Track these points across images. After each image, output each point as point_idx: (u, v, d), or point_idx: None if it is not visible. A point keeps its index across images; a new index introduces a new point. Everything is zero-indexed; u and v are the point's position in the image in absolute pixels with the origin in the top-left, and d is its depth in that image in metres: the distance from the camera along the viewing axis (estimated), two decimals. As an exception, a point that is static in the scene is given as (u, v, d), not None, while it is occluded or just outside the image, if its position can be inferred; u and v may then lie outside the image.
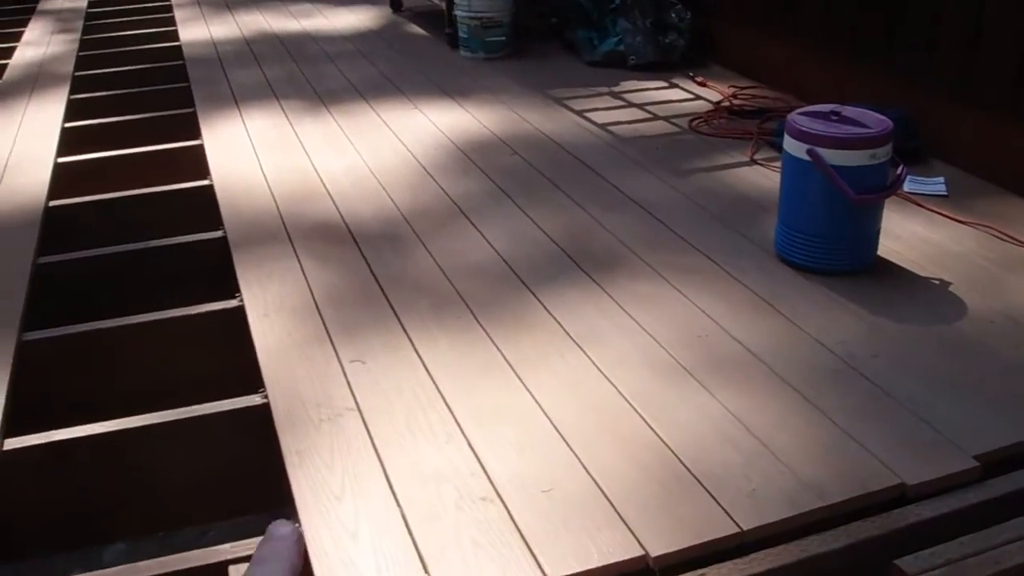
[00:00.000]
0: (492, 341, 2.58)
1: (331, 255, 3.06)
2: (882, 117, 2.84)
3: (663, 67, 4.97)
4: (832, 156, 2.74)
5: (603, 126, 4.16)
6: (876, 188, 2.79)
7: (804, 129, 2.78)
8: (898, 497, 2.05)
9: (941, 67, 3.78)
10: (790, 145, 2.83)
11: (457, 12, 5.27)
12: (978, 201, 3.44)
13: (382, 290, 2.84)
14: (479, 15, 5.18)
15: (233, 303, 2.83)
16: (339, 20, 6.27)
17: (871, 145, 2.74)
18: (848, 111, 2.86)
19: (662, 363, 2.46)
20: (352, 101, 4.57)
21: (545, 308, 2.73)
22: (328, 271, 2.97)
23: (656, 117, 4.30)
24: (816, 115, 2.85)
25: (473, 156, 3.83)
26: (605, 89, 4.70)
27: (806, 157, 2.77)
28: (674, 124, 4.20)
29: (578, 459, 2.12)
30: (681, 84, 4.78)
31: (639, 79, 4.85)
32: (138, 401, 2.52)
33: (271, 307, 2.77)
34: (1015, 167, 3.50)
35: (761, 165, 3.70)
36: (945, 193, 3.49)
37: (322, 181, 3.62)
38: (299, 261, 3.03)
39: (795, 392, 2.34)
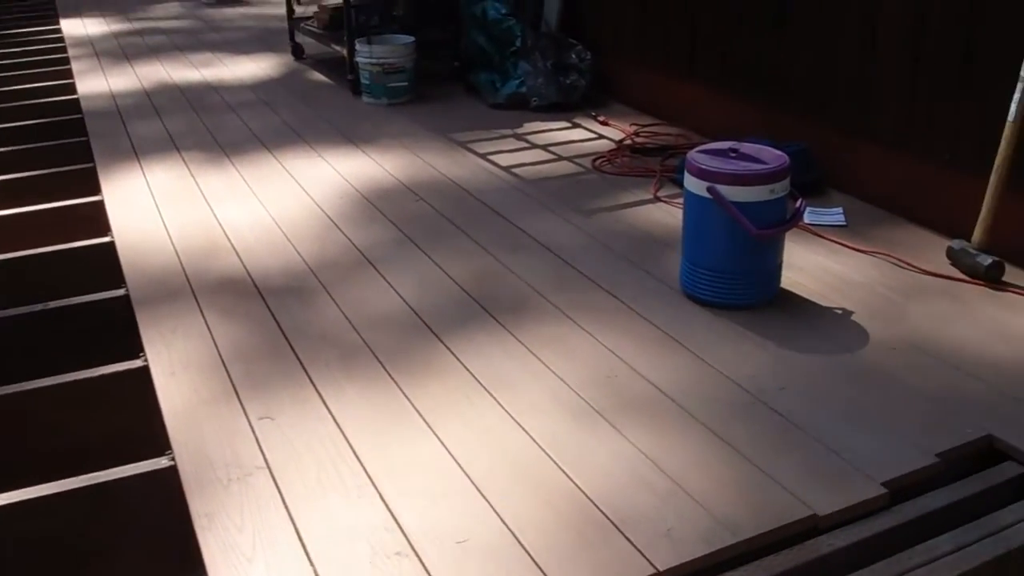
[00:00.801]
0: (401, 390, 2.56)
1: (237, 309, 3.02)
2: (779, 152, 2.89)
3: (566, 107, 5.01)
4: (732, 193, 2.78)
5: (507, 168, 4.18)
6: (776, 222, 2.84)
7: (704, 167, 2.82)
8: (811, 528, 2.07)
9: (835, 102, 3.86)
10: (691, 183, 2.87)
11: (359, 59, 5.27)
12: (876, 229, 3.52)
13: (289, 343, 2.81)
14: (381, 61, 5.18)
15: (138, 363, 2.77)
16: (240, 69, 6.22)
17: (769, 180, 2.78)
18: (746, 148, 2.91)
19: (573, 406, 2.47)
20: (255, 151, 4.53)
21: (454, 355, 2.72)
22: (234, 326, 2.92)
23: (560, 158, 4.33)
24: (715, 153, 2.90)
25: (378, 204, 3.82)
26: (509, 131, 4.72)
27: (707, 194, 2.81)
28: (578, 164, 4.24)
29: (492, 508, 2.11)
30: (584, 124, 4.82)
31: (542, 120, 4.88)
32: (44, 467, 2.45)
33: (177, 365, 2.72)
34: (909, 195, 3.59)
35: (664, 202, 3.74)
36: (844, 223, 3.56)
37: (226, 234, 3.58)
38: (204, 317, 2.98)
39: (705, 429, 2.35)
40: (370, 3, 5.91)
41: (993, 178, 3.13)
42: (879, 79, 3.67)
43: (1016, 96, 3.06)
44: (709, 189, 2.79)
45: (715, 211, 2.81)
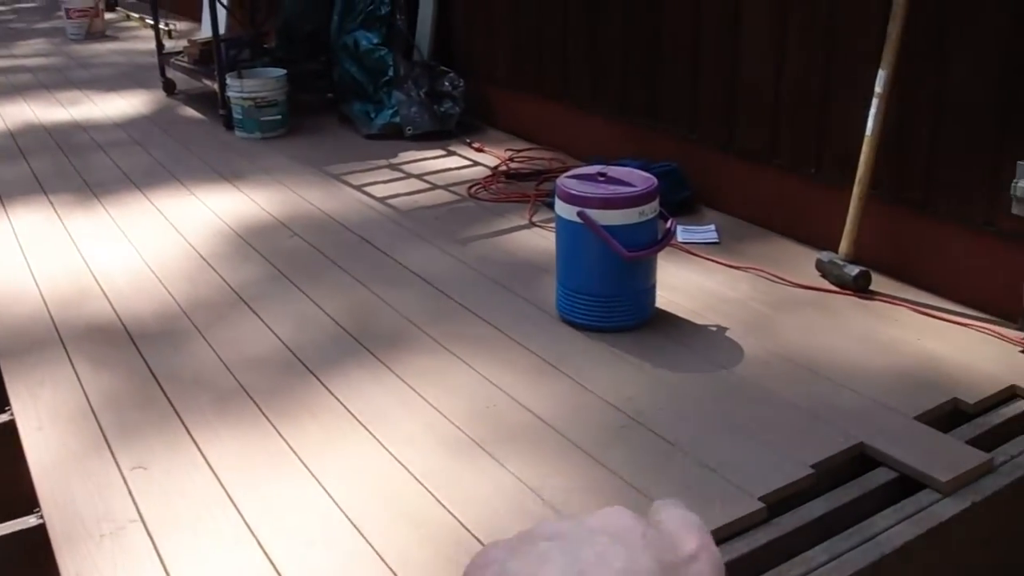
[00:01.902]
0: (278, 432, 2.51)
1: (107, 357, 2.94)
2: (647, 175, 2.92)
3: (441, 135, 5.01)
4: (602, 216, 2.80)
5: (383, 200, 4.15)
6: (647, 244, 2.87)
7: (573, 192, 2.84)
8: (690, 549, 2.08)
9: (703, 121, 3.93)
10: (561, 208, 2.88)
11: (230, 93, 5.20)
12: (748, 245, 3.58)
13: (162, 389, 2.75)
14: (252, 95, 5.12)
15: (3, 418, 2.68)
16: (110, 107, 6.09)
17: (638, 203, 2.81)
18: (614, 171, 2.93)
19: (452, 438, 2.45)
20: (126, 191, 4.43)
21: (331, 392, 2.68)
22: (105, 374, 2.85)
23: (435, 187, 4.32)
24: (584, 177, 2.92)
25: (253, 241, 3.76)
26: (384, 162, 4.70)
27: (577, 219, 2.82)
28: (453, 192, 4.23)
29: (372, 547, 2.08)
30: (459, 151, 4.83)
31: (417, 149, 4.87)
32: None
33: (44, 418, 2.63)
34: (778, 210, 3.67)
35: (539, 227, 3.76)
36: (717, 240, 3.62)
37: (95, 278, 3.49)
38: (73, 366, 2.90)
39: (584, 454, 2.36)
40: (240, 37, 5.86)
41: (855, 190, 3.20)
42: (744, 97, 3.74)
43: (872, 111, 3.14)
44: (579, 214, 2.81)
45: (586, 235, 2.82)
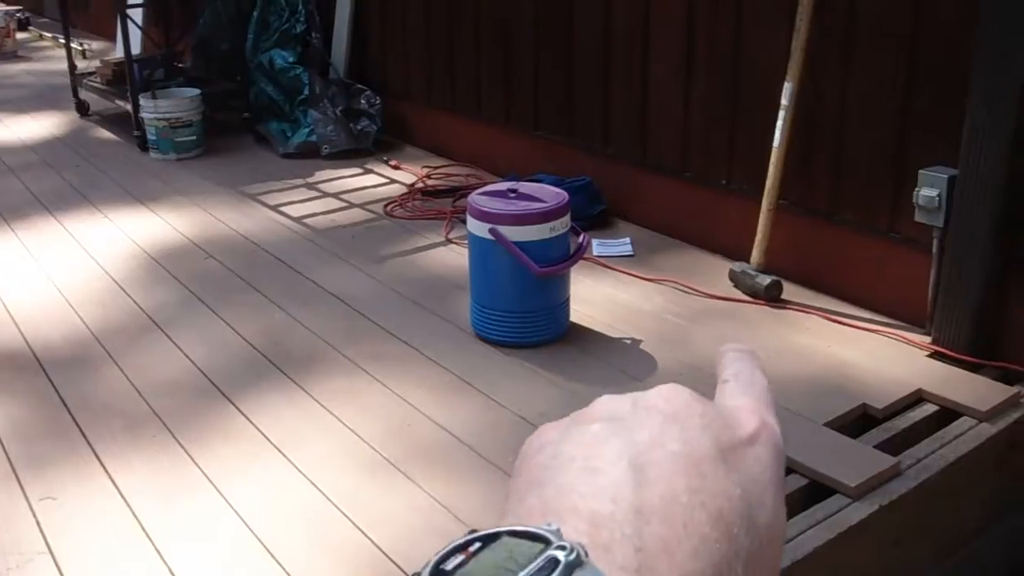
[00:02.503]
0: (191, 457, 2.49)
1: (15, 386, 2.89)
2: (558, 191, 2.94)
3: (357, 153, 4.99)
4: (513, 233, 2.81)
5: (299, 219, 4.13)
6: (559, 259, 2.88)
7: (484, 209, 2.85)
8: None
9: (616, 135, 3.97)
10: (473, 225, 2.89)
11: (144, 114, 5.14)
12: (662, 257, 3.61)
13: (72, 417, 2.70)
14: (166, 116, 5.06)
15: (-93, 451, 2.62)
16: (21, 129, 5.98)
17: (549, 219, 2.83)
18: (525, 187, 2.95)
19: (366, 459, 2.44)
20: (37, 215, 4.36)
21: (244, 415, 2.66)
22: (12, 404, 2.80)
23: (352, 205, 4.31)
24: (495, 194, 2.93)
25: (167, 264, 3.72)
26: (300, 181, 4.67)
27: (489, 236, 2.83)
28: (369, 210, 4.22)
29: (287, 572, 2.07)
30: (376, 169, 4.81)
31: (334, 167, 4.85)
32: None
33: (-51, 451, 2.58)
34: (692, 222, 3.71)
35: (456, 243, 3.76)
36: (631, 253, 3.65)
37: (4, 305, 3.42)
38: (-20, 396, 2.84)
39: (499, 471, 2.36)
40: (154, 56, 5.80)
41: (764, 202, 3.25)
42: (655, 111, 3.78)
43: (779, 123, 3.19)
44: (491, 230, 2.82)
45: (498, 252, 2.83)
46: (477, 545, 0.39)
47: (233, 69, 5.61)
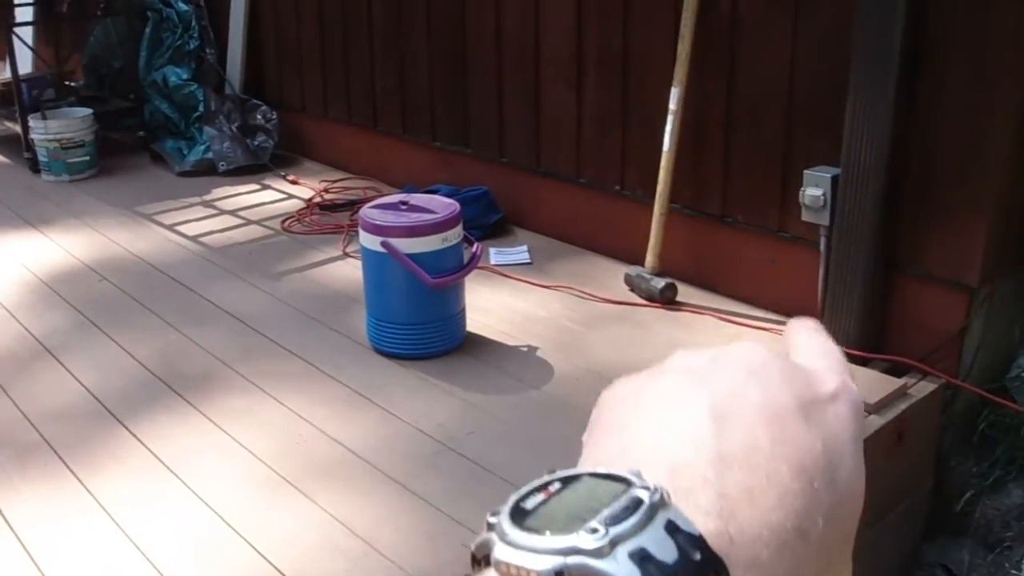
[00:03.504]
0: (83, 485, 2.44)
1: (-100, 419, 2.82)
2: (450, 201, 2.95)
3: (255, 169, 4.94)
4: (405, 245, 2.81)
5: (195, 238, 4.08)
6: (453, 270, 2.89)
7: (376, 222, 2.84)
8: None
9: (510, 143, 3.99)
10: (366, 239, 2.88)
11: (34, 135, 5.03)
12: (559, 263, 3.64)
13: (-41, 450, 2.64)
14: (57, 136, 4.96)
15: None
16: (-92, 156, 5.83)
17: (441, 230, 2.83)
18: (416, 199, 2.95)
19: (262, 478, 2.42)
20: (-77, 244, 4.25)
21: (138, 439, 2.62)
22: None
23: (249, 222, 4.26)
24: (387, 207, 2.93)
25: (59, 288, 3.64)
26: (197, 199, 4.61)
27: (382, 249, 2.83)
28: (266, 227, 4.18)
29: (179, 597, 2.04)
30: (273, 185, 4.77)
31: (231, 184, 4.80)
32: None
33: None
34: (588, 227, 3.74)
35: (353, 257, 3.74)
36: (529, 261, 3.67)
37: None
38: None
39: (396, 484, 2.36)
40: (44, 75, 5.69)
41: (656, 206, 3.29)
42: (548, 119, 3.81)
43: (668, 128, 3.23)
44: (383, 243, 2.82)
45: (392, 265, 2.83)
46: (557, 485, 0.38)
47: (126, 87, 5.53)
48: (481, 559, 0.38)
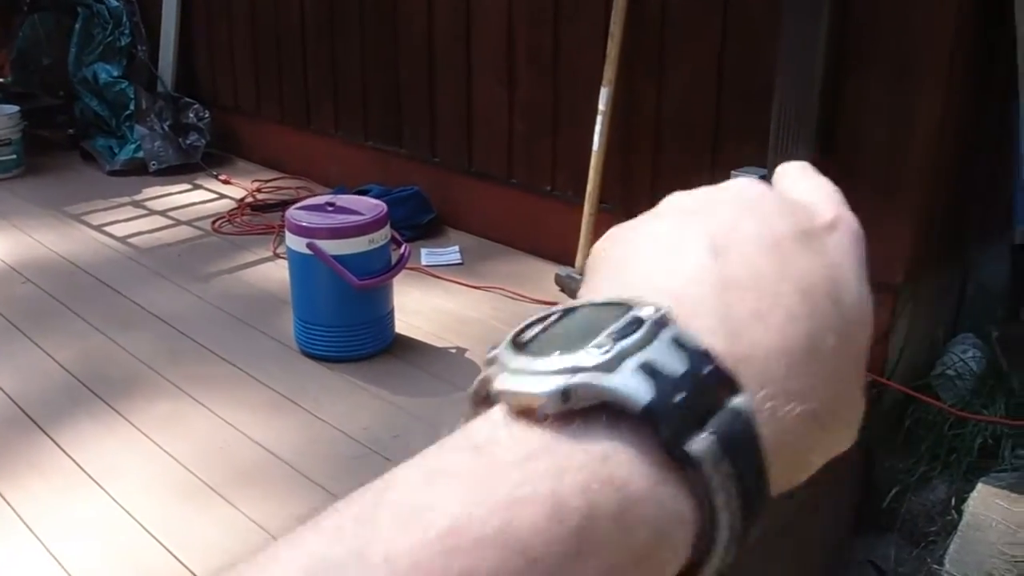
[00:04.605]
0: (8, 503, 2.38)
1: None
2: (377, 203, 2.93)
3: (187, 169, 4.88)
4: (331, 247, 2.79)
5: (123, 239, 4.02)
6: (380, 271, 2.87)
7: (302, 224, 2.82)
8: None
9: (441, 143, 3.98)
10: (292, 241, 2.86)
11: (-42, 135, 4.94)
12: (491, 264, 3.63)
13: None
14: (-18, 136, 4.88)
15: None
16: None
17: (367, 231, 2.81)
18: (343, 200, 2.93)
19: (184, 484, 2.39)
20: None
21: (60, 448, 2.57)
22: None
23: (178, 222, 4.21)
24: (313, 208, 2.90)
25: (-20, 290, 3.58)
26: (127, 199, 4.55)
27: (308, 251, 2.80)
28: (196, 227, 4.13)
29: (96, 607, 2.01)
30: (205, 184, 4.72)
31: (162, 184, 4.73)
32: None
33: None
34: (519, 228, 3.74)
35: (283, 258, 3.67)
36: (460, 261, 3.65)
37: None
38: None
39: (317, 487, 2.34)
40: (-31, 74, 5.59)
41: (586, 206, 3.30)
42: (479, 119, 3.80)
43: (597, 128, 3.24)
44: (309, 245, 2.79)
45: (318, 266, 2.81)
46: (556, 315, 0.37)
47: (56, 84, 5.44)
48: (482, 398, 0.37)
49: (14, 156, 4.96)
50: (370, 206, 2.90)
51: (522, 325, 0.37)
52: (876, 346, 2.92)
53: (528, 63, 3.58)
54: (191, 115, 5.04)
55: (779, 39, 2.80)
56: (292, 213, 2.88)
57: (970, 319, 3.21)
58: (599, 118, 3.24)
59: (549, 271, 3.47)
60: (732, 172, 3.00)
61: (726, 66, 3.04)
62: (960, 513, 2.76)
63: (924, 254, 2.91)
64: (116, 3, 5.32)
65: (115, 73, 5.19)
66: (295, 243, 2.84)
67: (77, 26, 5.32)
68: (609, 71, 3.20)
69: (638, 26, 3.20)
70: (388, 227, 2.90)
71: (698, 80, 3.11)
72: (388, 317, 2.98)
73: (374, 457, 2.45)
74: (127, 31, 5.28)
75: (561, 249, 3.50)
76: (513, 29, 3.59)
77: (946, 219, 3.01)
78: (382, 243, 2.87)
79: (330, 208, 2.88)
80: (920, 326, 3.04)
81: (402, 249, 2.97)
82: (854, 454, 2.83)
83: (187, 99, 5.11)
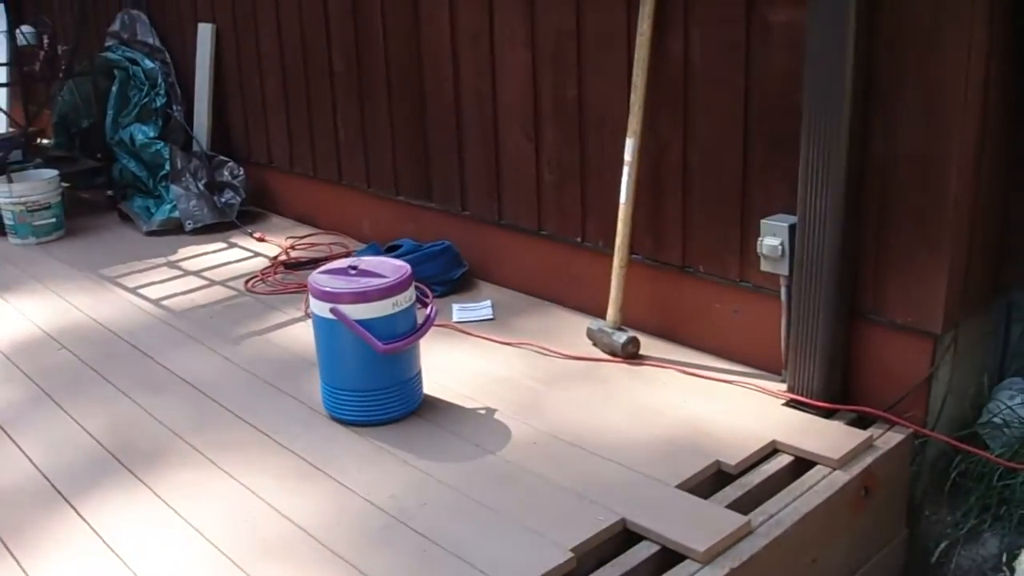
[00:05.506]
0: (21, 567, 2.36)
1: None
2: (400, 264, 2.90)
3: (222, 227, 4.90)
4: (355, 311, 2.76)
5: (156, 301, 4.02)
6: (405, 334, 2.83)
7: (325, 289, 2.79)
8: (446, 653, 2.03)
9: (473, 198, 3.95)
10: (316, 306, 2.83)
11: None
12: (523, 318, 3.59)
13: (-99, 535, 2.57)
14: (22, 199, 4.91)
15: None
16: None
17: (390, 294, 2.78)
18: (366, 263, 2.90)
19: (206, 559, 2.35)
20: None
21: (83, 519, 2.55)
22: None
23: (212, 283, 4.21)
24: (336, 272, 2.88)
25: (16, 358, 3.58)
26: (162, 260, 4.56)
27: (332, 315, 2.77)
28: (230, 287, 4.13)
29: None
30: (240, 243, 4.73)
31: (198, 243, 4.75)
32: None
33: None
34: (550, 281, 3.70)
35: (314, 319, 3.69)
36: (491, 317, 3.61)
37: None
38: None
39: (342, 561, 2.29)
40: (10, 137, 5.66)
41: (616, 258, 3.24)
42: (507, 171, 3.77)
43: (624, 179, 3.19)
44: (332, 310, 2.76)
45: (342, 331, 2.78)
46: None
47: (95, 146, 5.50)
48: None
49: (53, 219, 5.00)
50: (393, 268, 2.86)
51: None
52: (917, 394, 2.84)
53: (553, 113, 3.54)
54: (226, 173, 5.07)
55: (804, 83, 2.74)
56: (315, 277, 2.85)
57: (1018, 362, 3.12)
58: (625, 169, 3.19)
59: (581, 324, 3.41)
60: (761, 221, 2.95)
61: (752, 112, 2.99)
62: (1012, 570, 2.66)
63: (964, 298, 2.82)
64: (152, 64, 5.38)
65: (151, 134, 5.24)
66: (319, 308, 2.82)
67: (114, 89, 5.39)
68: (633, 122, 3.15)
69: (662, 75, 3.16)
70: (412, 289, 2.86)
71: (724, 127, 3.06)
72: (415, 379, 2.93)
73: (401, 528, 2.41)
74: (162, 92, 5.34)
75: (594, 301, 3.45)
76: (538, 81, 3.55)
77: (986, 259, 2.92)
78: (406, 305, 2.83)
79: (353, 271, 2.85)
80: (963, 373, 2.95)
81: (428, 310, 2.94)
82: (896, 509, 2.75)
83: (222, 157, 5.14)
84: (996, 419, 2.96)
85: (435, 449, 2.76)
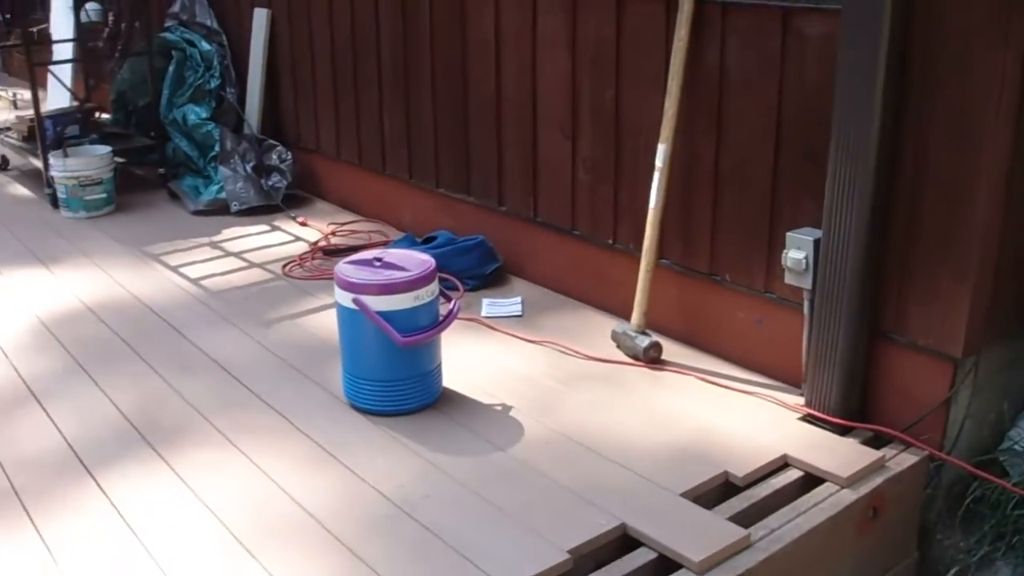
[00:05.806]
0: (40, 537, 2.43)
1: None
2: (425, 258, 2.94)
3: (267, 210, 4.98)
4: (377, 303, 2.80)
5: (195, 281, 4.10)
6: (426, 327, 2.87)
7: (349, 279, 2.84)
8: (436, 645, 2.07)
9: (509, 195, 3.98)
10: (339, 295, 2.88)
11: (54, 172, 5.11)
12: (550, 316, 3.62)
13: (-71, 495, 2.66)
14: (76, 174, 5.03)
15: None
16: (-60, 187, 5.94)
17: (413, 287, 2.83)
18: (392, 255, 2.95)
19: (216, 537, 2.41)
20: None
21: (103, 492, 2.62)
22: None
23: (252, 265, 4.28)
24: (361, 263, 2.92)
25: (56, 329, 3.68)
26: (206, 239, 4.65)
27: (355, 306, 2.82)
28: (268, 270, 4.20)
29: (112, 661, 2.03)
30: (283, 226, 4.80)
31: (242, 225, 4.83)
32: None
33: None
34: (580, 280, 3.72)
35: (345, 306, 3.74)
36: (520, 313, 3.64)
37: None
38: None
39: (342, 547, 2.34)
40: (68, 112, 5.78)
41: (643, 262, 3.26)
42: (544, 170, 3.79)
43: (654, 184, 3.20)
44: (355, 300, 2.81)
45: (365, 322, 2.82)
46: None
47: (150, 124, 5.60)
48: None
49: (104, 195, 5.10)
50: (418, 262, 2.90)
51: None
52: (934, 417, 2.83)
53: (591, 116, 3.56)
54: (274, 157, 5.14)
55: (835, 97, 2.74)
56: (340, 268, 2.90)
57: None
58: (656, 175, 3.20)
59: (608, 325, 3.43)
60: (787, 233, 2.95)
61: (784, 124, 2.99)
62: (1022, 598, 2.66)
63: (988, 324, 2.80)
64: (208, 47, 5.47)
65: (203, 115, 5.32)
66: (343, 297, 2.87)
67: (171, 69, 5.48)
68: (666, 128, 3.16)
69: (697, 83, 3.17)
70: (436, 283, 2.90)
71: (756, 138, 3.06)
72: (435, 372, 2.98)
73: (403, 518, 2.45)
74: (217, 74, 5.42)
75: (622, 302, 3.47)
76: (577, 84, 3.58)
77: (1014, 286, 2.90)
78: (428, 299, 2.87)
79: (378, 263, 2.90)
80: (984, 398, 2.93)
81: (452, 304, 2.97)
82: (907, 531, 2.74)
83: (271, 141, 5.21)
84: (1017, 446, 2.94)
85: (447, 443, 2.80)
